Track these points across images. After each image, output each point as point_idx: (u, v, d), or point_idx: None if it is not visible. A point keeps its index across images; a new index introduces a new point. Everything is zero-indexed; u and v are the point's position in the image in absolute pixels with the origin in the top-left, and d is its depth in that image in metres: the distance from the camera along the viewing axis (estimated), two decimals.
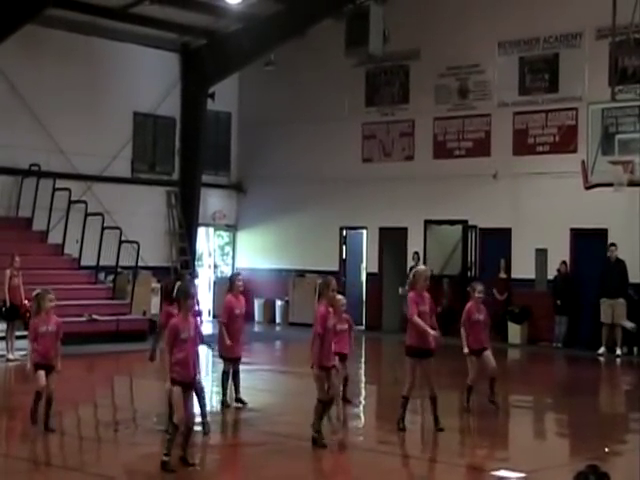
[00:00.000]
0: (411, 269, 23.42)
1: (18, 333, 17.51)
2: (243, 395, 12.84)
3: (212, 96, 25.79)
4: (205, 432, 10.93)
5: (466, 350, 12.83)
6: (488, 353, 12.85)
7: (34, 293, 11.45)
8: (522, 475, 9.49)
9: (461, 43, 23.06)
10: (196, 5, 23.48)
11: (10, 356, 17.26)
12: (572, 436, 12.51)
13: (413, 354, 11.26)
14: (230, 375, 12.88)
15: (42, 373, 11.15)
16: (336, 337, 10.97)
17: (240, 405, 12.80)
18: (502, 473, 9.53)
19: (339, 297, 11.16)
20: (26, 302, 17.59)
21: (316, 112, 25.25)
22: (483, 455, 10.72)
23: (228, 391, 12.92)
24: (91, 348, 18.68)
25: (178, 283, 10.70)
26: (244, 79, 26.96)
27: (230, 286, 12.94)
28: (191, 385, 9.46)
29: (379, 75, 24.69)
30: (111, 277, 22.51)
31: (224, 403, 12.86)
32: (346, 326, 12.14)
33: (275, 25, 23.43)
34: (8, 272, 17.87)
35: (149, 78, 25.08)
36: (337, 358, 11.21)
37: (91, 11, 22.90)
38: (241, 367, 17.31)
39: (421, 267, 12.39)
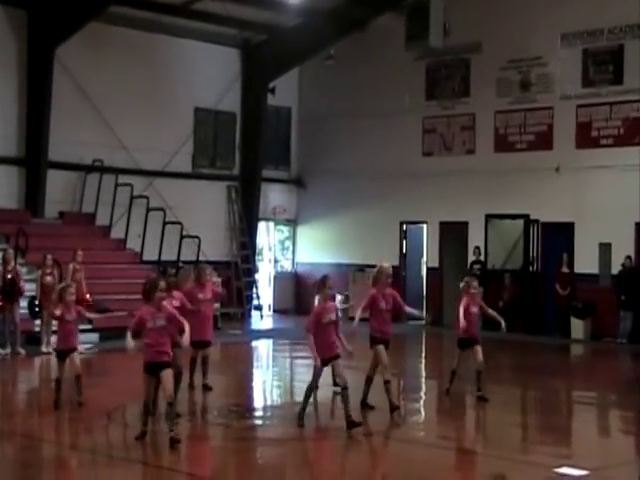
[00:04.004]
0: (472, 264, 23.45)
1: (81, 327, 17.71)
2: (303, 389, 12.83)
3: (272, 91, 25.87)
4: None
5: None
6: (478, 348, 13.02)
7: (58, 287, 12.05)
8: (586, 472, 9.36)
9: (523, 35, 22.80)
10: (256, 1, 23.54)
11: None
12: (637, 434, 12.29)
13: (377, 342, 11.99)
14: (199, 361, 13.32)
15: (61, 363, 12.05)
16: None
17: (208, 390, 13.31)
18: (565, 470, 9.40)
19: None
20: (88, 296, 17.87)
21: (376, 106, 25.16)
22: (546, 452, 10.58)
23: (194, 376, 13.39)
24: None
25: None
26: (304, 74, 26.99)
27: (196, 276, 13.48)
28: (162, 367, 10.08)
29: (439, 68, 24.52)
30: (173, 271, 22.64)
31: (190, 386, 13.30)
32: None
33: (335, 19, 23.40)
34: (71, 266, 18.13)
35: (210, 74, 25.23)
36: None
37: (153, 8, 23.11)
38: (302, 361, 17.35)
39: (385, 264, 12.48)
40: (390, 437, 11.21)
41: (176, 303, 11.56)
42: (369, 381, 12.23)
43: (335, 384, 13.22)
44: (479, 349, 13.03)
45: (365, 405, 12.12)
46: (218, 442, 11.09)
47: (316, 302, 11.39)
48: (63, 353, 12.10)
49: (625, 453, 10.97)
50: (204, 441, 10.98)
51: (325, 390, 13.22)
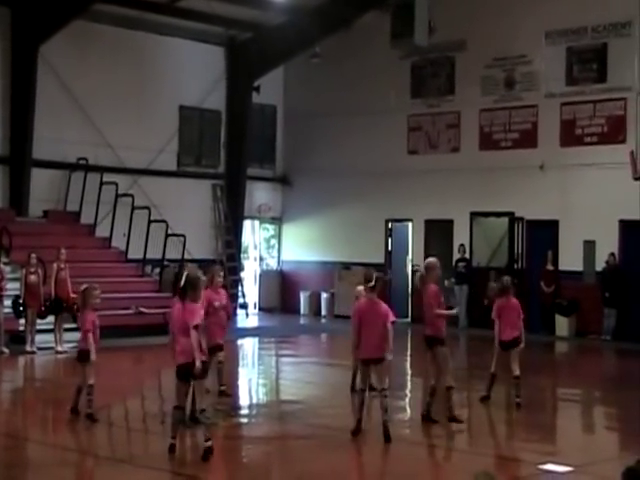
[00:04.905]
0: (457, 261, 23.49)
1: (66, 325, 17.71)
2: (289, 387, 12.86)
3: (257, 89, 25.85)
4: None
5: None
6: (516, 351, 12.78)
7: (82, 288, 11.60)
8: (570, 469, 9.40)
9: (508, 34, 22.86)
10: None
11: (59, 348, 17.46)
12: (621, 430, 12.36)
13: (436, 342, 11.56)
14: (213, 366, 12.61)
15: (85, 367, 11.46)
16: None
17: (226, 396, 12.80)
18: (550, 467, 9.44)
19: None
20: (74, 295, 17.81)
21: (362, 104, 25.18)
22: (530, 448, 10.62)
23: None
24: (138, 340, 18.84)
25: (185, 274, 10.44)
26: (289, 72, 26.98)
27: (209, 280, 12.68)
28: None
29: (425, 67, 24.55)
30: (157, 270, 22.65)
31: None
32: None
33: (320, 18, 23.40)
34: (55, 265, 18.06)
35: (195, 72, 25.18)
36: None
37: (138, 5, 23.06)
38: (288, 359, 17.33)
39: (431, 258, 12.41)
40: (376, 435, 11.20)
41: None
42: (434, 392, 11.58)
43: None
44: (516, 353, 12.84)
45: (430, 419, 11.49)
46: (204, 440, 11.06)
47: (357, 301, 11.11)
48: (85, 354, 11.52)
49: (609, 450, 11.01)
50: (184, 439, 10.92)
51: (321, 389, 13.21)
